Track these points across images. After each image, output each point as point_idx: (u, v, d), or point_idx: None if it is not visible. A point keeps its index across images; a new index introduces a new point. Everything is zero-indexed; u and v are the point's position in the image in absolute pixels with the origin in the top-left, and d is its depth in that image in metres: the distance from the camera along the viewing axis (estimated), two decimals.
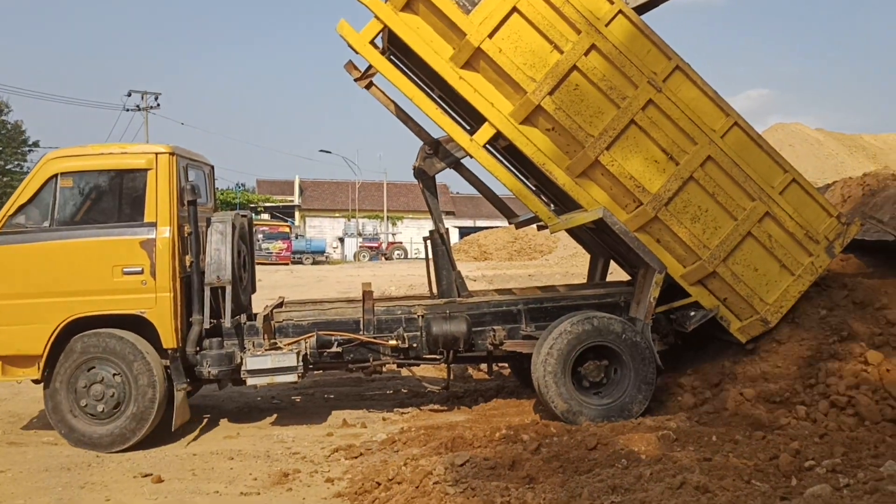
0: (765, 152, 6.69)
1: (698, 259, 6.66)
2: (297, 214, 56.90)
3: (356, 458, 6.10)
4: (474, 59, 6.53)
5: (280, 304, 7.88)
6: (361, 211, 58.37)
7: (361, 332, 7.16)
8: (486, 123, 6.61)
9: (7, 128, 51.51)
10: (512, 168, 8.01)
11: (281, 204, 57.20)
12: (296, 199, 58.04)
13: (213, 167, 8.24)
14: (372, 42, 6.60)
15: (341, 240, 56.73)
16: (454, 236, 53.20)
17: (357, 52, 6.55)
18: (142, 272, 6.62)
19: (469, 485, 4.84)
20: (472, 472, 5.08)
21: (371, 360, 7.20)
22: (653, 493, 4.47)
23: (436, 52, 6.51)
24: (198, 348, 6.84)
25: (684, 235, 6.62)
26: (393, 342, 7.09)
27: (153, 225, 6.69)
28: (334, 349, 7.07)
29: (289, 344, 7.02)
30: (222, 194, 55.60)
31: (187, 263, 6.85)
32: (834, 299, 7.04)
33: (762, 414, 6.11)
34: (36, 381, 6.77)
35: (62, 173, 6.67)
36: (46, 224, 6.65)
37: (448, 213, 57.32)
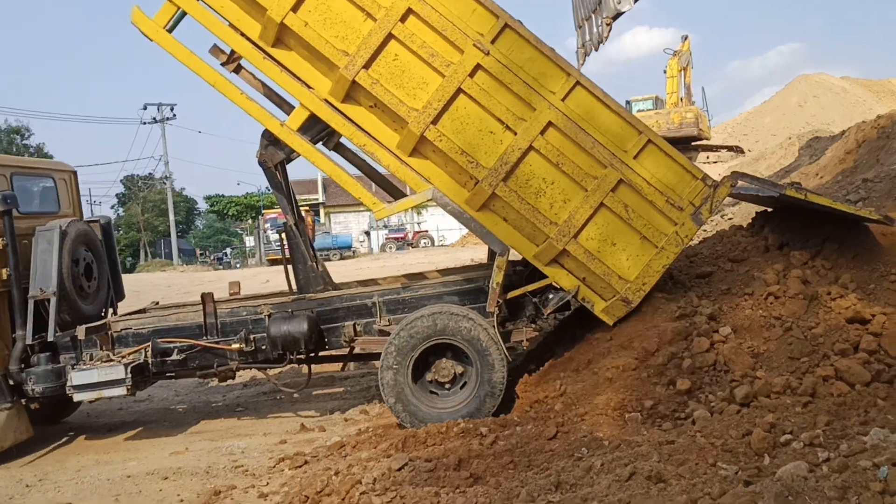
0: (614, 113, 5.97)
1: (547, 237, 6.02)
2: (321, 211, 56.92)
3: (299, 467, 5.74)
4: (283, 36, 6.01)
5: (142, 311, 7.50)
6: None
7: (204, 337, 6.73)
8: (299, 106, 6.08)
9: (30, 151, 52.75)
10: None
11: (306, 202, 57.27)
12: (320, 197, 58.03)
13: (73, 172, 7.90)
14: (171, 27, 6.12)
15: (367, 233, 56.48)
16: None
17: (151, 40, 6.05)
18: None
19: (398, 493, 4.46)
20: (407, 477, 4.68)
21: (216, 365, 6.76)
22: (598, 488, 3.95)
23: (238, 33, 6.01)
24: (23, 365, 6.49)
25: (527, 212, 5.98)
26: (236, 345, 6.64)
27: None
28: (175, 357, 6.65)
29: (127, 354, 6.61)
30: (245, 198, 56.03)
31: (3, 276, 6.51)
32: None
33: None
34: None
35: None
36: None
37: None
